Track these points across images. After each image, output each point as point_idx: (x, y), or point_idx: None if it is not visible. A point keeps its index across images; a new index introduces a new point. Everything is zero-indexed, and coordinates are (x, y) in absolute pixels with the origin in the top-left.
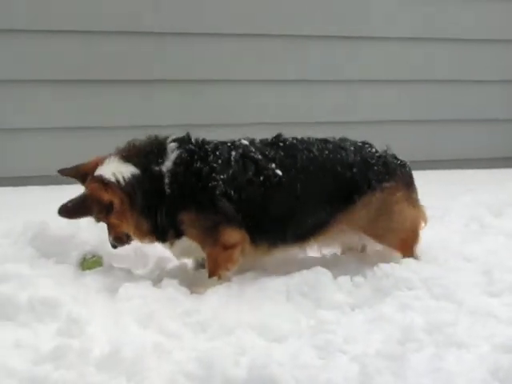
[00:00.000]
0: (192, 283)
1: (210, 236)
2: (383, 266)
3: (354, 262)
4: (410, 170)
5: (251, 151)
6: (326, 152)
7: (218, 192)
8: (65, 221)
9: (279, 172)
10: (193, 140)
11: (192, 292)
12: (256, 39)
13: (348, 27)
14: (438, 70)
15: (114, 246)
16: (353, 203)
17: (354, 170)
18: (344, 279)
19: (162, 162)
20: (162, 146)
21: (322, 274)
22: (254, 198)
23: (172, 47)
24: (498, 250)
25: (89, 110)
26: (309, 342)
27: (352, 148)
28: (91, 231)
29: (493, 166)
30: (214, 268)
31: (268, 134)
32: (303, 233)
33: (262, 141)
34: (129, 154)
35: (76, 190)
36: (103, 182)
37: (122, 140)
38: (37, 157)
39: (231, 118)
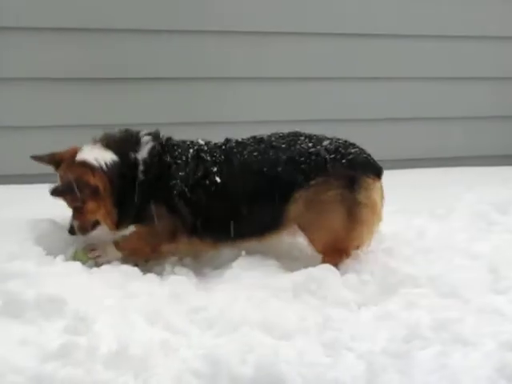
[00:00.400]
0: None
1: (158, 228)
2: (390, 263)
3: (360, 259)
4: (352, 166)
5: (204, 151)
6: (256, 153)
7: (177, 189)
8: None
9: (218, 179)
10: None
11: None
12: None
13: (348, 25)
14: (439, 67)
15: (73, 233)
16: (284, 201)
17: (279, 169)
18: (351, 277)
19: (138, 151)
20: (136, 138)
21: (328, 272)
22: (201, 198)
23: (168, 45)
24: (504, 248)
25: (96, 108)
26: (315, 340)
27: (283, 146)
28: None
29: (496, 164)
30: (127, 248)
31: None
32: (246, 231)
33: (215, 144)
34: (108, 143)
35: None
36: (89, 166)
37: None
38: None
39: (233, 116)
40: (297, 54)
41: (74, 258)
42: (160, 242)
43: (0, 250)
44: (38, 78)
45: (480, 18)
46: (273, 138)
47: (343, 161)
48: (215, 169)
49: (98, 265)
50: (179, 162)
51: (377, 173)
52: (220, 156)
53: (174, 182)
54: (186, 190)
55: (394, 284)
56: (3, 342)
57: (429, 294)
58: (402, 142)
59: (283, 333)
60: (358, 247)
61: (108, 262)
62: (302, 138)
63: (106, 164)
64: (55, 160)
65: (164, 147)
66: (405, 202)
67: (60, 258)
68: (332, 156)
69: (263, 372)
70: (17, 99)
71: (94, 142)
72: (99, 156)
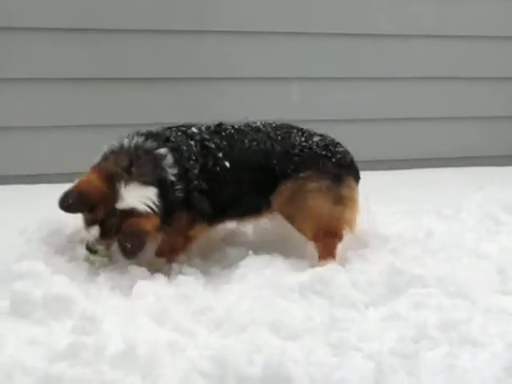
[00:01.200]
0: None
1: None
2: (397, 263)
3: (368, 259)
4: (340, 164)
5: (206, 139)
6: (255, 143)
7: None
8: (79, 218)
9: (227, 163)
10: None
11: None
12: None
13: (350, 24)
14: (444, 67)
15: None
16: (275, 191)
17: (274, 160)
18: (358, 277)
19: (165, 170)
20: (155, 156)
21: (335, 272)
22: (213, 185)
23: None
24: None
25: (101, 107)
26: (323, 340)
27: (279, 138)
28: None
29: (504, 164)
30: (167, 251)
31: None
32: (240, 212)
33: (207, 127)
34: (138, 173)
35: None
36: (142, 216)
37: None
38: (50, 154)
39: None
40: (299, 54)
41: (89, 259)
42: (187, 229)
43: (8, 250)
44: (41, 78)
45: (492, 17)
46: (269, 129)
47: (333, 159)
48: (220, 154)
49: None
50: (192, 157)
51: (357, 177)
52: (221, 142)
53: (190, 174)
54: (202, 181)
55: (401, 284)
56: (11, 342)
57: (437, 294)
58: (409, 141)
59: (290, 333)
60: (350, 230)
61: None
62: (295, 131)
63: (153, 203)
64: (89, 206)
65: (178, 151)
66: (412, 202)
67: (68, 257)
68: (323, 153)
69: (270, 372)
70: (20, 99)
71: (117, 172)
72: (142, 196)
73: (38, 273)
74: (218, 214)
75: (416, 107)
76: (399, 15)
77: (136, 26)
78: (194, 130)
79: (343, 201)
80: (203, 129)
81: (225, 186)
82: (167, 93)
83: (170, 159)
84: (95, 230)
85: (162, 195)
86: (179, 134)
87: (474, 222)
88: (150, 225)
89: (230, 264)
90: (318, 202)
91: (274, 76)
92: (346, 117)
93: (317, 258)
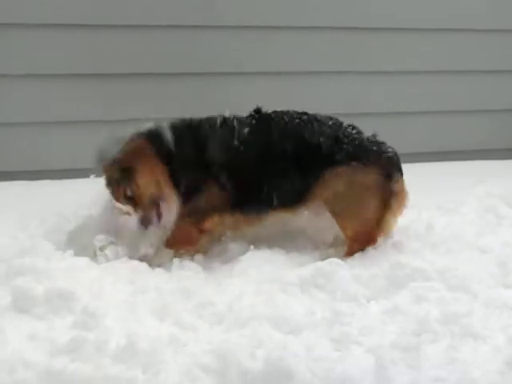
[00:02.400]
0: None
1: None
2: (399, 257)
3: (369, 253)
4: (391, 162)
5: (234, 123)
6: (297, 121)
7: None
8: (80, 214)
9: (254, 145)
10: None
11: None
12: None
13: (355, 18)
14: (447, 61)
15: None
16: (321, 175)
17: (321, 139)
18: (359, 271)
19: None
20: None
21: (337, 266)
22: (238, 167)
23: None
24: None
25: (104, 103)
26: (324, 334)
27: (329, 123)
28: (108, 224)
29: (505, 157)
30: (177, 242)
31: None
32: (282, 200)
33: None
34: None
35: (89, 185)
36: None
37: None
38: (52, 151)
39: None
40: (303, 48)
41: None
42: (202, 219)
43: (9, 245)
44: (43, 74)
45: (498, 10)
46: (316, 115)
47: (384, 155)
48: (250, 135)
49: (152, 266)
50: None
51: (403, 176)
52: (252, 123)
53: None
54: (224, 160)
55: (402, 278)
56: (13, 338)
57: (438, 288)
58: (409, 135)
59: (292, 327)
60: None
61: (161, 264)
62: (345, 124)
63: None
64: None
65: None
66: (414, 196)
67: (69, 253)
68: (375, 148)
69: (272, 367)
70: (21, 95)
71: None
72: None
73: (40, 268)
74: (253, 198)
75: (416, 101)
76: (408, 8)
77: (138, 22)
78: (227, 115)
79: (391, 202)
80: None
81: (255, 165)
82: (171, 88)
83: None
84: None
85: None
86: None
87: (475, 215)
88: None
89: (231, 259)
90: (367, 202)
91: (283, 71)
92: (348, 110)
93: (318, 252)
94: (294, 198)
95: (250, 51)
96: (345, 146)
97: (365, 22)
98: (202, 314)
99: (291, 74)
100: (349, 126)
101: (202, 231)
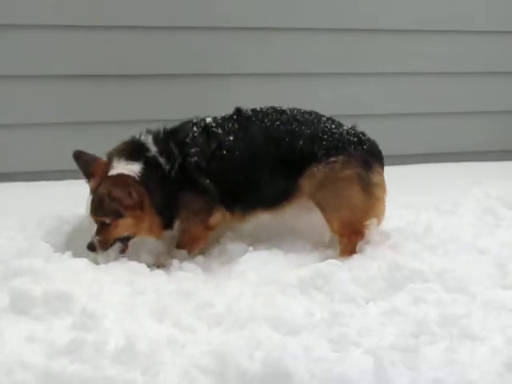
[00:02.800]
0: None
1: (197, 215)
2: (397, 258)
3: (367, 255)
4: (370, 153)
5: (212, 126)
6: (278, 123)
7: (199, 171)
8: (79, 215)
9: (236, 147)
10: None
11: (159, 265)
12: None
13: (356, 20)
14: (446, 62)
15: (93, 249)
16: (302, 174)
17: (301, 142)
18: (358, 272)
19: (150, 151)
20: (139, 142)
21: (335, 267)
22: (220, 169)
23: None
24: (511, 243)
25: (102, 104)
26: (323, 335)
27: (307, 121)
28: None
29: (502, 159)
30: (188, 241)
31: None
32: (267, 200)
33: (222, 117)
34: (126, 154)
35: (88, 187)
36: (129, 179)
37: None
38: (51, 152)
39: None
40: (303, 50)
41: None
42: (206, 217)
43: (8, 246)
44: (43, 75)
45: (500, 11)
46: (295, 112)
47: (364, 146)
48: (231, 137)
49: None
50: (187, 140)
51: (383, 167)
52: (233, 125)
53: (189, 160)
54: (203, 164)
55: (401, 279)
56: (12, 339)
57: (436, 289)
58: (407, 136)
59: (290, 328)
60: (378, 223)
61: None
62: (324, 118)
63: (138, 174)
64: (88, 170)
65: (166, 135)
66: (411, 198)
67: (67, 254)
68: (354, 139)
69: (271, 368)
70: (19, 97)
71: (113, 156)
72: (128, 168)
73: (38, 269)
74: (238, 198)
75: (414, 103)
76: (407, 10)
77: (137, 23)
78: (208, 119)
79: (374, 191)
80: (218, 118)
81: (237, 168)
82: (169, 89)
83: (151, 142)
84: None
85: (149, 171)
86: (188, 122)
87: (473, 216)
88: (132, 182)
89: (230, 260)
90: (349, 193)
91: (276, 72)
92: (346, 112)
93: (316, 253)
94: (280, 198)
95: (249, 52)
96: (324, 142)
97: (364, 24)
98: (200, 315)
99: (290, 76)
100: (328, 119)
101: (209, 228)
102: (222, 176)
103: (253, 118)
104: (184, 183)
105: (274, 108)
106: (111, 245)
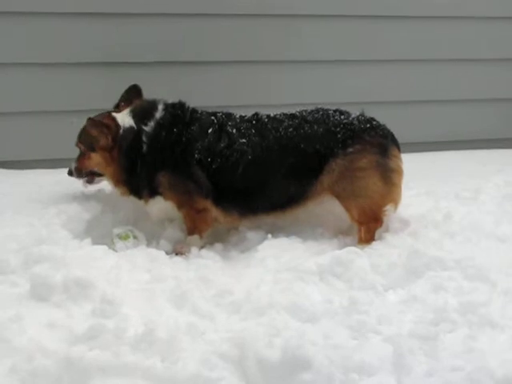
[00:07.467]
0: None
1: (184, 199)
2: (417, 246)
3: (387, 242)
4: (384, 135)
5: (229, 125)
6: (291, 129)
7: (192, 159)
8: (98, 203)
9: (248, 151)
10: (184, 107)
11: (177, 252)
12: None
13: (365, 6)
14: (465, 49)
15: (70, 174)
16: (320, 173)
17: (317, 142)
18: (377, 260)
19: (147, 124)
20: (153, 108)
21: (354, 255)
22: (225, 168)
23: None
24: None
25: (100, 92)
26: (342, 323)
27: (318, 119)
28: (126, 213)
29: None
30: (192, 226)
31: None
32: (273, 205)
33: (240, 116)
34: (135, 109)
35: None
36: (116, 129)
37: None
38: (67, 139)
39: (261, 99)
40: (316, 36)
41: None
42: (192, 202)
43: (27, 234)
44: (53, 63)
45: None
46: (304, 113)
47: (377, 131)
48: (244, 140)
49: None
50: (193, 133)
51: (399, 146)
52: (250, 130)
53: (188, 150)
54: (204, 157)
55: (420, 267)
56: (32, 326)
57: (456, 277)
58: (428, 123)
59: (309, 316)
60: (394, 209)
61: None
62: (331, 111)
63: (123, 128)
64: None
65: (176, 118)
66: (431, 185)
67: (86, 242)
68: (367, 126)
69: (290, 355)
70: (31, 84)
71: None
72: (123, 119)
73: (58, 256)
74: (236, 201)
75: (434, 89)
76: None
77: (141, 10)
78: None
79: (392, 177)
80: (236, 117)
81: (246, 173)
82: (168, 77)
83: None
84: None
85: (134, 135)
86: (211, 115)
87: (494, 204)
88: (114, 129)
89: (249, 248)
90: (368, 181)
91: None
92: (361, 99)
93: (335, 240)
94: (287, 202)
95: (261, 40)
96: (339, 135)
97: (371, 10)
98: (219, 302)
99: (304, 63)
100: (335, 111)
101: (200, 211)
102: (222, 176)
103: (268, 126)
104: (173, 165)
105: (285, 114)
106: (85, 174)
